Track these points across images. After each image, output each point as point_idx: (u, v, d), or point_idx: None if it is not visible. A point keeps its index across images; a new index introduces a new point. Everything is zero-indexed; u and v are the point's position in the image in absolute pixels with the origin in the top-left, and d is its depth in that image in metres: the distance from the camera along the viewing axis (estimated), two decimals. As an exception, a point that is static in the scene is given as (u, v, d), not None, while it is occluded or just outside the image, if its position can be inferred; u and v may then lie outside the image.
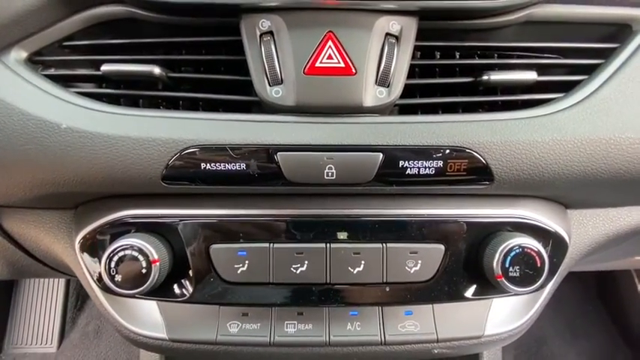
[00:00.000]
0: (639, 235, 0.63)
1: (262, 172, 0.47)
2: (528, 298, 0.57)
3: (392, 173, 0.47)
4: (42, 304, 1.85)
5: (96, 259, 0.51)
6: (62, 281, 1.85)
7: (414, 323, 0.53)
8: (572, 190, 0.52)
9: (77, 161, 0.46)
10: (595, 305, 1.95)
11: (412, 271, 0.50)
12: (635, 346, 1.76)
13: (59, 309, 1.82)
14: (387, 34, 0.47)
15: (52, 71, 0.51)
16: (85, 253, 0.52)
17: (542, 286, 0.50)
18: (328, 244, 0.50)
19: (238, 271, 0.50)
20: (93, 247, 0.52)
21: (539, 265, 0.48)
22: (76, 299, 1.90)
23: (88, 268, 0.52)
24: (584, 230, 0.58)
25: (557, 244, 0.53)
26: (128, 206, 0.51)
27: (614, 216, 0.60)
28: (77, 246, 0.53)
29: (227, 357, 0.53)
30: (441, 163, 0.47)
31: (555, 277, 0.54)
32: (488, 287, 0.52)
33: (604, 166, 0.48)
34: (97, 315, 1.85)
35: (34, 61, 0.50)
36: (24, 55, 0.50)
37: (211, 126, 0.47)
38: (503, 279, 0.48)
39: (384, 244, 0.50)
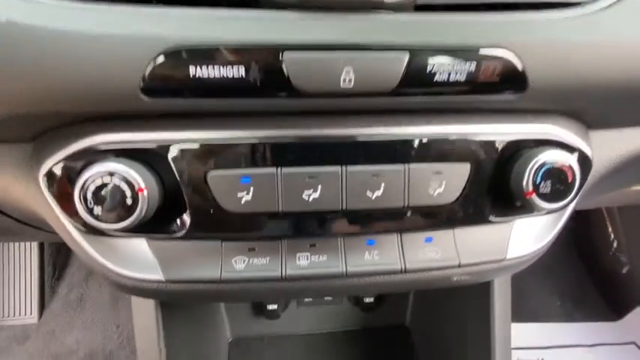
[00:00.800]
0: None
1: (264, 78, 0.39)
2: (549, 219, 0.55)
3: (418, 79, 0.41)
4: (15, 276, 1.73)
5: (67, 193, 0.43)
6: (35, 250, 1.73)
7: (435, 250, 0.50)
8: (603, 104, 0.48)
9: (28, 66, 0.36)
10: (568, 247, 2.08)
11: (435, 193, 0.46)
12: (602, 283, 1.92)
13: (35, 279, 1.71)
14: None
15: None
16: (54, 189, 0.44)
17: (570, 203, 0.48)
18: (344, 167, 0.44)
19: (242, 201, 0.44)
20: (62, 180, 0.43)
21: (570, 180, 0.45)
22: (53, 269, 1.80)
23: (60, 205, 0.44)
24: (602, 151, 0.56)
25: (583, 161, 0.50)
26: (102, 130, 0.42)
27: (630, 136, 0.57)
28: (42, 181, 0.44)
29: (233, 296, 0.48)
30: (473, 66, 0.41)
31: (578, 196, 0.52)
32: (512, 208, 0.49)
33: None
34: (79, 283, 1.76)
35: None
36: None
37: (201, 21, 0.38)
38: (534, 195, 0.44)
39: (406, 165, 0.45)
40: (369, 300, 0.70)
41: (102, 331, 1.60)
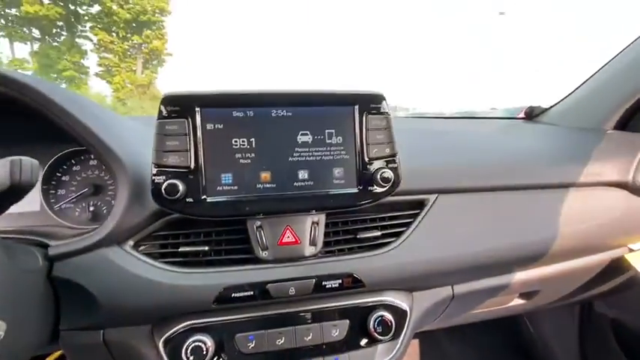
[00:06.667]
0: (455, 301, 1.24)
1: (258, 294, 1.02)
2: (389, 344, 1.13)
3: (320, 287, 1.05)
4: None
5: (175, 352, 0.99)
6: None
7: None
8: (412, 283, 1.13)
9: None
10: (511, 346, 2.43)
11: (334, 335, 1.05)
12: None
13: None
14: (313, 222, 1.08)
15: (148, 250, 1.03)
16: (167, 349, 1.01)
17: (395, 337, 1.08)
18: (295, 327, 1.05)
19: (249, 347, 1.01)
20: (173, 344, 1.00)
21: (389, 325, 1.06)
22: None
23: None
24: (421, 304, 1.19)
25: (402, 314, 1.12)
26: (192, 318, 1.02)
27: (437, 292, 1.21)
28: (161, 345, 1.00)
29: None
30: (341, 280, 1.05)
31: (404, 331, 1.12)
32: (373, 340, 1.08)
33: (420, 273, 1.10)
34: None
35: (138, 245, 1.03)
36: (132, 243, 1.02)
37: (236, 274, 1.02)
38: (374, 333, 1.04)
39: (321, 324, 1.06)
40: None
41: None
